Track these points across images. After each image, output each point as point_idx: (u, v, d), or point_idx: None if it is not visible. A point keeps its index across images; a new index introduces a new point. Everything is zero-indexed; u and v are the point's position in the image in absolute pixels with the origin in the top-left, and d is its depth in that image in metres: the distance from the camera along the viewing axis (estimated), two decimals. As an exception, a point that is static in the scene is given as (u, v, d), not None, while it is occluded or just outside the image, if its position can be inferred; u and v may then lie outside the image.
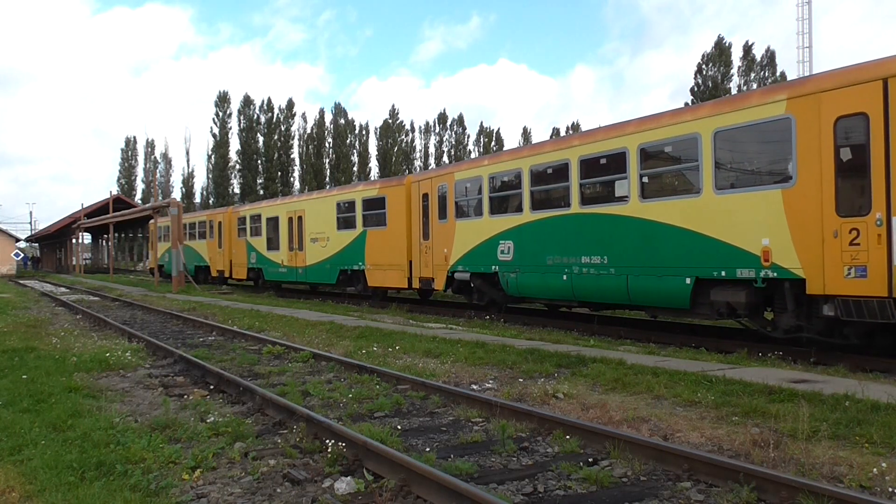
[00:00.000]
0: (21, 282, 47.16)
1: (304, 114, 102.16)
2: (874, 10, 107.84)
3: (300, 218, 27.33)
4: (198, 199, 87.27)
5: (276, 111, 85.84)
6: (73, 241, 63.49)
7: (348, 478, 5.26)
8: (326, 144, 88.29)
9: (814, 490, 4.44)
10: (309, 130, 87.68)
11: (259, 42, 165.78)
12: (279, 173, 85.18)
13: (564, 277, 14.55)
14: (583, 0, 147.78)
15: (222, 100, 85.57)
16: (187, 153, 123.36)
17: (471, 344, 11.79)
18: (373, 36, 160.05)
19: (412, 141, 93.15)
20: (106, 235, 71.20)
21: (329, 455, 5.80)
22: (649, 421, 6.76)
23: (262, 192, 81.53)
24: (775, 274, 10.63)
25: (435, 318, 18.82)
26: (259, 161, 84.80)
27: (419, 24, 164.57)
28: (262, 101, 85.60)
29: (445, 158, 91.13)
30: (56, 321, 18.91)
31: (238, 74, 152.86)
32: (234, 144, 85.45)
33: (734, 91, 62.89)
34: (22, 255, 66.39)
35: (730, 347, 11.74)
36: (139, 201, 78.95)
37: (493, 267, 16.78)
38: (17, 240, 69.03)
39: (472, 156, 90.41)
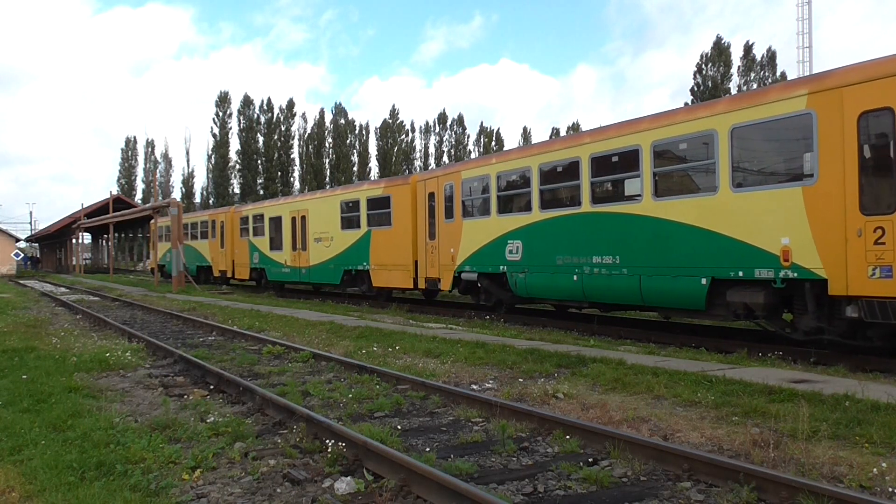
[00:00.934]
0: (21, 282, 47.15)
1: (304, 114, 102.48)
2: (876, 10, 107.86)
3: (303, 217, 27.15)
4: (198, 199, 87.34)
5: (276, 111, 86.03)
6: (73, 241, 63.51)
7: (348, 478, 5.26)
8: (326, 144, 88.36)
9: (814, 490, 4.44)
10: (309, 130, 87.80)
11: (260, 42, 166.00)
12: (279, 173, 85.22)
13: (575, 278, 14.31)
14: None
15: (222, 100, 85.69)
16: (187, 153, 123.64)
17: (471, 344, 11.79)
18: (375, 35, 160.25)
19: (412, 141, 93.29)
20: (106, 235, 71.20)
21: (329, 455, 5.80)
22: (649, 421, 6.76)
23: (261, 192, 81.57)
24: (796, 274, 10.33)
25: (435, 318, 18.81)
26: (259, 161, 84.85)
27: (422, 24, 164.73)
28: (262, 101, 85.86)
29: (445, 158, 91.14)
30: (56, 321, 18.91)
31: (239, 74, 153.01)
32: (234, 144, 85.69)
33: (734, 91, 62.91)
34: (22, 255, 66.38)
35: (730, 347, 11.71)
36: (139, 201, 78.96)
37: (501, 267, 16.55)
38: (17, 240, 69.03)
39: (473, 156, 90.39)
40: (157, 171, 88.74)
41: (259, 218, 31.16)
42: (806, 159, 10.33)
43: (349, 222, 24.08)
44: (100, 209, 59.09)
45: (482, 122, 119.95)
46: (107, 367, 10.70)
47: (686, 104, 47.11)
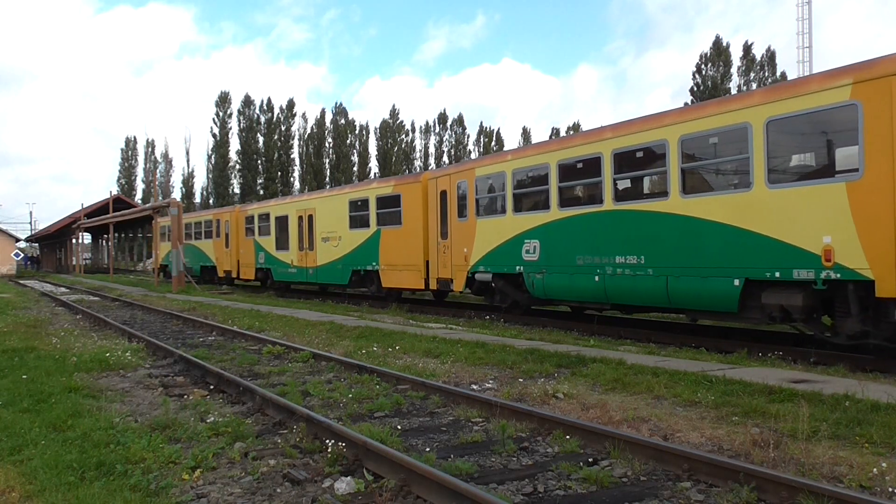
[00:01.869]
0: (21, 282, 47.16)
1: (304, 114, 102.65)
2: (879, 9, 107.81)
3: (311, 217, 26.63)
4: (198, 199, 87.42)
5: (277, 111, 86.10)
6: (73, 241, 63.49)
7: (348, 478, 5.26)
8: (326, 144, 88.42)
9: (814, 490, 4.44)
10: (309, 130, 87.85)
11: (262, 42, 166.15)
12: (279, 173, 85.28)
13: (596, 279, 13.77)
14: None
15: (223, 100, 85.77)
16: (187, 153, 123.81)
17: (471, 344, 11.79)
18: (377, 35, 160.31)
19: (412, 141, 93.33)
20: (106, 235, 71.22)
21: (329, 455, 5.80)
22: (649, 421, 6.76)
23: (261, 192, 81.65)
24: (839, 275, 9.74)
25: (435, 318, 18.80)
26: (259, 161, 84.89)
27: (424, 24, 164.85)
28: (263, 101, 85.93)
29: (445, 159, 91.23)
30: (56, 321, 18.91)
31: (240, 74, 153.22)
32: (234, 144, 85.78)
33: (734, 91, 62.92)
34: (22, 255, 66.39)
35: (730, 347, 11.69)
36: (139, 201, 79.00)
37: (518, 267, 16.03)
38: (17, 240, 69.04)
39: (472, 156, 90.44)
40: (157, 171, 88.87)
41: (265, 217, 30.65)
42: (850, 153, 9.72)
43: (358, 221, 23.55)
44: (100, 209, 59.09)
45: (482, 123, 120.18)
46: (107, 367, 10.70)
47: (686, 104, 47.08)
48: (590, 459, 5.72)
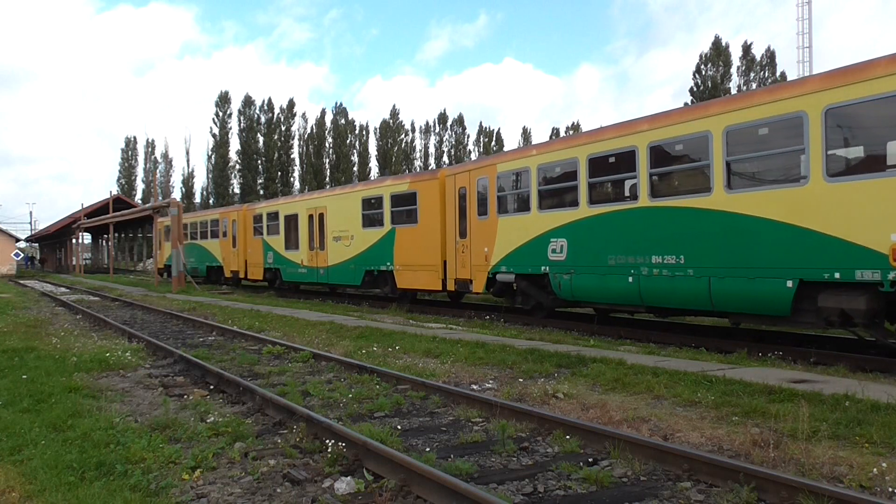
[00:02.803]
0: (21, 282, 47.16)
1: (304, 114, 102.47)
2: (881, 9, 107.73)
3: (321, 215, 25.83)
4: (198, 199, 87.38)
5: (277, 111, 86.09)
6: (73, 241, 63.51)
7: (348, 478, 5.26)
8: (326, 144, 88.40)
9: (814, 490, 4.44)
10: (309, 130, 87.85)
11: (263, 41, 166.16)
12: (279, 173, 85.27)
13: (630, 280, 13.06)
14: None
15: (223, 100, 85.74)
16: (187, 153, 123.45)
17: (471, 344, 11.79)
18: (379, 35, 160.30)
19: (412, 141, 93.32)
20: (106, 235, 71.23)
21: (329, 455, 5.80)
22: (649, 421, 6.76)
23: (262, 192, 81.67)
24: None
25: (435, 318, 18.81)
26: (259, 161, 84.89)
27: (426, 23, 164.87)
28: (263, 101, 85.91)
29: (445, 158, 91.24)
30: (56, 321, 18.91)
31: (241, 74, 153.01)
32: (235, 144, 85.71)
33: (734, 91, 62.92)
34: (22, 254, 66.40)
35: (730, 347, 11.71)
36: (139, 201, 79.00)
37: (543, 268, 15.30)
38: (17, 240, 69.02)
39: (473, 156, 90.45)
40: (158, 171, 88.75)
41: (274, 216, 29.74)
42: None
43: (371, 220, 22.79)
44: (100, 209, 59.12)
45: (481, 123, 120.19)
46: (107, 367, 10.70)
47: (686, 104, 47.05)
48: (590, 459, 5.72)
